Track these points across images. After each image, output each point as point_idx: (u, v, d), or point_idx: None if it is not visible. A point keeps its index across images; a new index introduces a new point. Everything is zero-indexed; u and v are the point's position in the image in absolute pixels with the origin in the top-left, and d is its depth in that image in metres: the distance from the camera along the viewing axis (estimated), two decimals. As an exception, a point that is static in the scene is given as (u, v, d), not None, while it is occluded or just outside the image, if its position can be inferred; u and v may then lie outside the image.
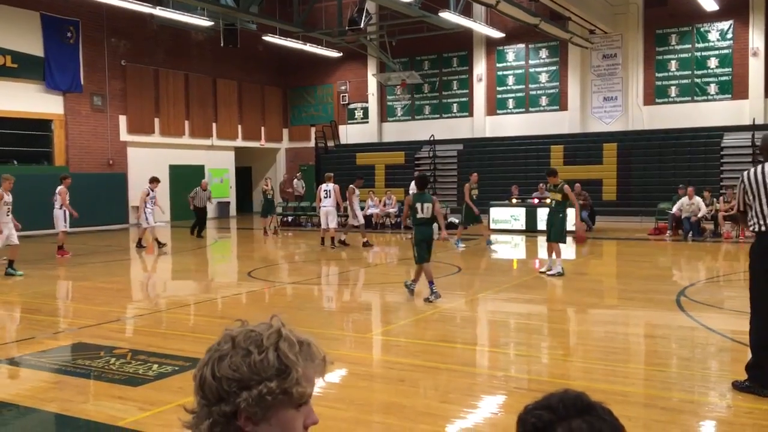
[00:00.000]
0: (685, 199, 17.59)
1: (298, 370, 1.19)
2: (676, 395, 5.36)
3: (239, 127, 29.48)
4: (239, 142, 29.51)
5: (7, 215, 12.32)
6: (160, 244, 17.02)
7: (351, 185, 17.16)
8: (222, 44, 22.09)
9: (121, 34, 24.54)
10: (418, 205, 9.51)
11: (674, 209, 17.79)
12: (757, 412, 5.08)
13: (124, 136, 24.86)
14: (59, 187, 15.33)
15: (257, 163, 31.82)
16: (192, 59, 27.19)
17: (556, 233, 11.75)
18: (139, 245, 17.22)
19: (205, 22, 20.96)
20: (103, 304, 9.73)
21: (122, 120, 24.81)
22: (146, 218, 17.23)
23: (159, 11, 19.52)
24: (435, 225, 9.87)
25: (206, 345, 5.26)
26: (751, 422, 4.84)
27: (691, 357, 6.63)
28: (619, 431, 1.11)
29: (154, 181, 17.90)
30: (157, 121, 26.02)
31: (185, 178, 26.98)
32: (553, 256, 11.75)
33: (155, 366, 6.21)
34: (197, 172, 27.61)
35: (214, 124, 28.28)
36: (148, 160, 25.37)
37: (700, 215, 17.28)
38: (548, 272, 11.68)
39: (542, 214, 19.32)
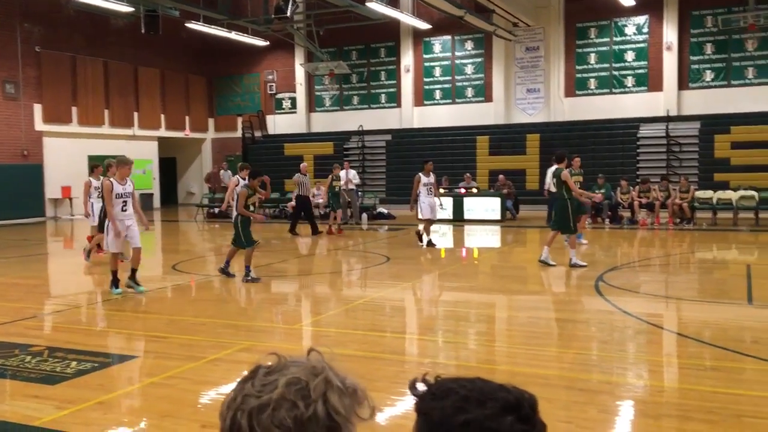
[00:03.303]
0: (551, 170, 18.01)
1: (349, 427, 1.05)
2: (594, 377, 5.56)
3: (162, 116, 28.69)
4: (162, 132, 28.73)
5: (123, 210, 9.37)
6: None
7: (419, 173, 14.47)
8: (143, 31, 21.41)
9: (35, 18, 23.45)
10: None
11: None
12: (670, 391, 5.34)
13: (40, 125, 23.81)
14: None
15: (182, 154, 31.08)
16: (111, 46, 26.25)
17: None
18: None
19: (124, 8, 20.25)
20: (18, 301, 9.32)
21: (37, 109, 23.75)
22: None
23: (75, -5, 18.75)
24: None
25: (128, 341, 5.14)
26: (664, 401, 5.08)
27: (609, 340, 6.90)
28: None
29: (245, 168, 15.15)
30: (74, 110, 25.03)
31: (105, 170, 26.09)
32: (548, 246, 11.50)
33: (74, 363, 6.00)
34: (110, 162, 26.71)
35: (135, 113, 27.43)
36: (66, 150, 24.41)
37: (546, 186, 17.48)
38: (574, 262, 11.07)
39: (469, 203, 19.76)
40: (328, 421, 1.02)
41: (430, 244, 14.15)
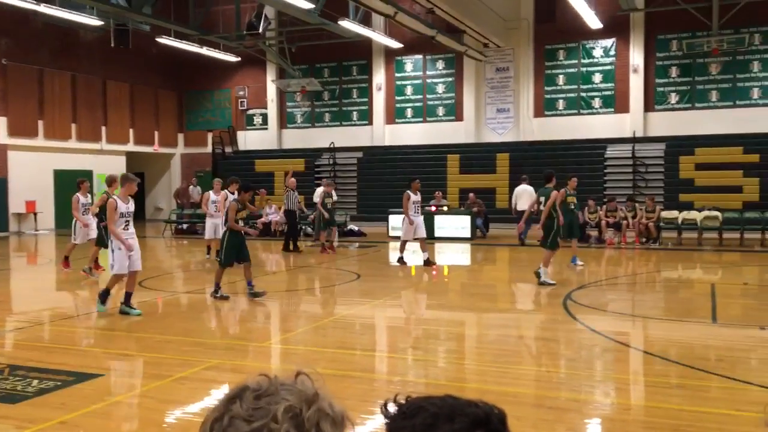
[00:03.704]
0: (519, 189, 18.66)
1: None
2: (563, 395, 5.59)
3: (131, 131, 28.37)
4: (131, 147, 28.38)
5: (125, 229, 8.85)
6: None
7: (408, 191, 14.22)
8: (113, 45, 21.20)
9: (2, 31, 23.06)
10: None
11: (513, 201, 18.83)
12: (637, 409, 5.38)
13: (4, 138, 23.36)
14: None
15: (150, 169, 30.71)
16: (80, 60, 25.93)
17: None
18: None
19: (94, 22, 20.08)
20: (-21, 318, 9.09)
21: (2, 122, 23.31)
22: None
23: (43, 8, 18.52)
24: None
25: (92, 358, 5.04)
26: (631, 418, 5.13)
27: (577, 358, 6.95)
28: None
29: (233, 182, 14.17)
30: (41, 123, 24.63)
31: (71, 184, 25.63)
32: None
33: (35, 382, 5.86)
34: (85, 177, 26.31)
35: (103, 128, 27.07)
36: (31, 164, 23.99)
37: (527, 206, 17.99)
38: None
39: (439, 221, 19.84)
40: None
41: (428, 262, 13.94)
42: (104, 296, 9.00)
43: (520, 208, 18.27)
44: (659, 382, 6.04)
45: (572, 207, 12.73)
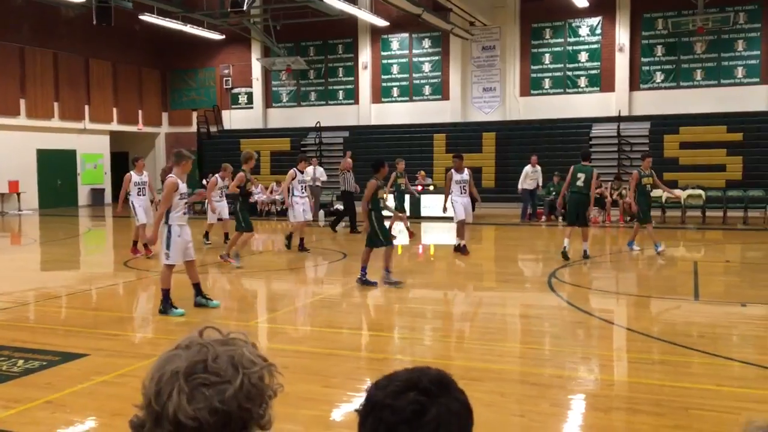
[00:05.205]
0: (528, 168, 18.99)
1: (271, 397, 1.18)
2: (547, 371, 5.66)
3: (114, 110, 28.07)
4: (114, 126, 28.11)
5: (184, 213, 7.88)
6: (303, 248, 13.30)
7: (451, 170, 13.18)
8: (95, 22, 20.87)
9: (-20, 7, 22.70)
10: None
11: (520, 183, 19.07)
12: (620, 385, 5.46)
13: (-15, 117, 23.09)
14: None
15: (135, 148, 30.37)
16: (62, 37, 25.55)
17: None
18: (302, 247, 13.28)
19: (75, -2, 19.76)
20: (-38, 299, 9.03)
21: (-17, 100, 23.02)
22: (294, 210, 13.31)
23: (23, -16, 18.19)
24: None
25: (78, 338, 5.01)
26: (614, 394, 5.20)
27: (561, 335, 7.02)
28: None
29: (302, 160, 13.36)
30: (22, 102, 24.32)
31: (54, 164, 25.46)
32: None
33: (20, 362, 5.84)
34: (68, 157, 26.13)
35: (86, 107, 26.77)
36: (13, 143, 23.74)
37: (540, 184, 19.13)
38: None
39: (426, 200, 19.86)
40: (258, 390, 1.17)
41: (458, 248, 12.66)
42: (166, 300, 7.82)
43: (524, 186, 18.71)
44: (642, 358, 6.13)
45: (648, 189, 12.56)
